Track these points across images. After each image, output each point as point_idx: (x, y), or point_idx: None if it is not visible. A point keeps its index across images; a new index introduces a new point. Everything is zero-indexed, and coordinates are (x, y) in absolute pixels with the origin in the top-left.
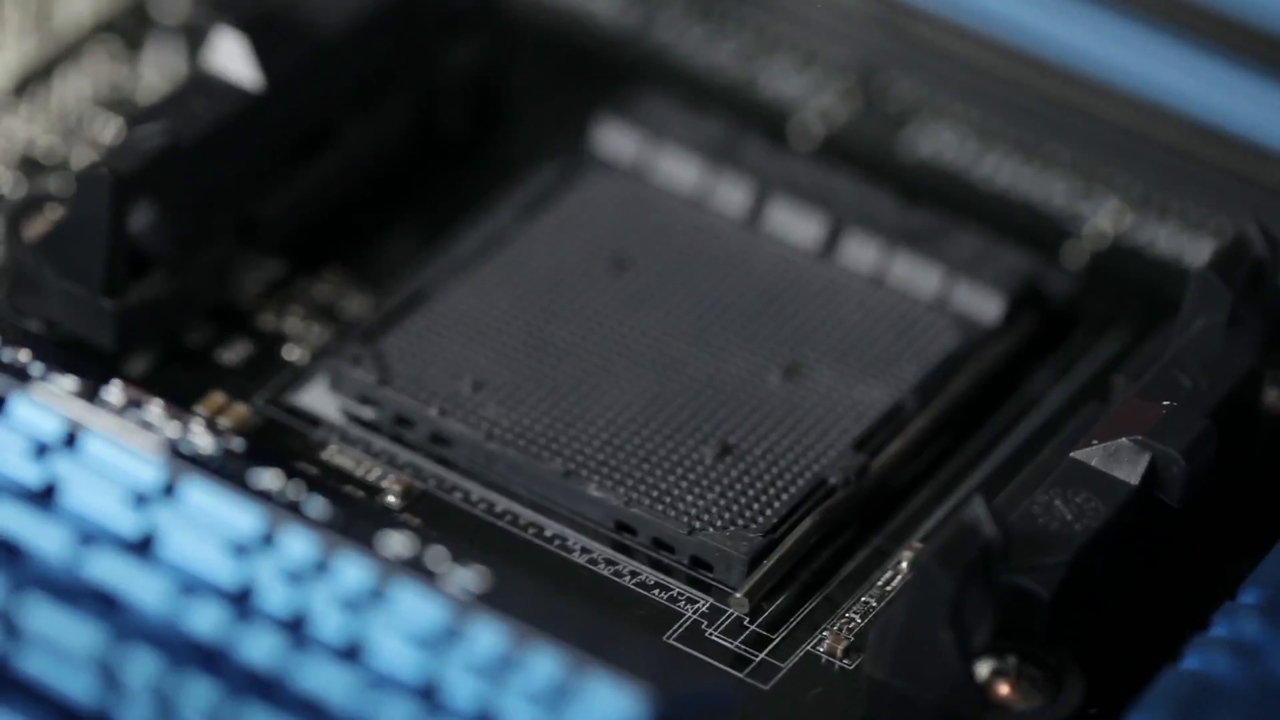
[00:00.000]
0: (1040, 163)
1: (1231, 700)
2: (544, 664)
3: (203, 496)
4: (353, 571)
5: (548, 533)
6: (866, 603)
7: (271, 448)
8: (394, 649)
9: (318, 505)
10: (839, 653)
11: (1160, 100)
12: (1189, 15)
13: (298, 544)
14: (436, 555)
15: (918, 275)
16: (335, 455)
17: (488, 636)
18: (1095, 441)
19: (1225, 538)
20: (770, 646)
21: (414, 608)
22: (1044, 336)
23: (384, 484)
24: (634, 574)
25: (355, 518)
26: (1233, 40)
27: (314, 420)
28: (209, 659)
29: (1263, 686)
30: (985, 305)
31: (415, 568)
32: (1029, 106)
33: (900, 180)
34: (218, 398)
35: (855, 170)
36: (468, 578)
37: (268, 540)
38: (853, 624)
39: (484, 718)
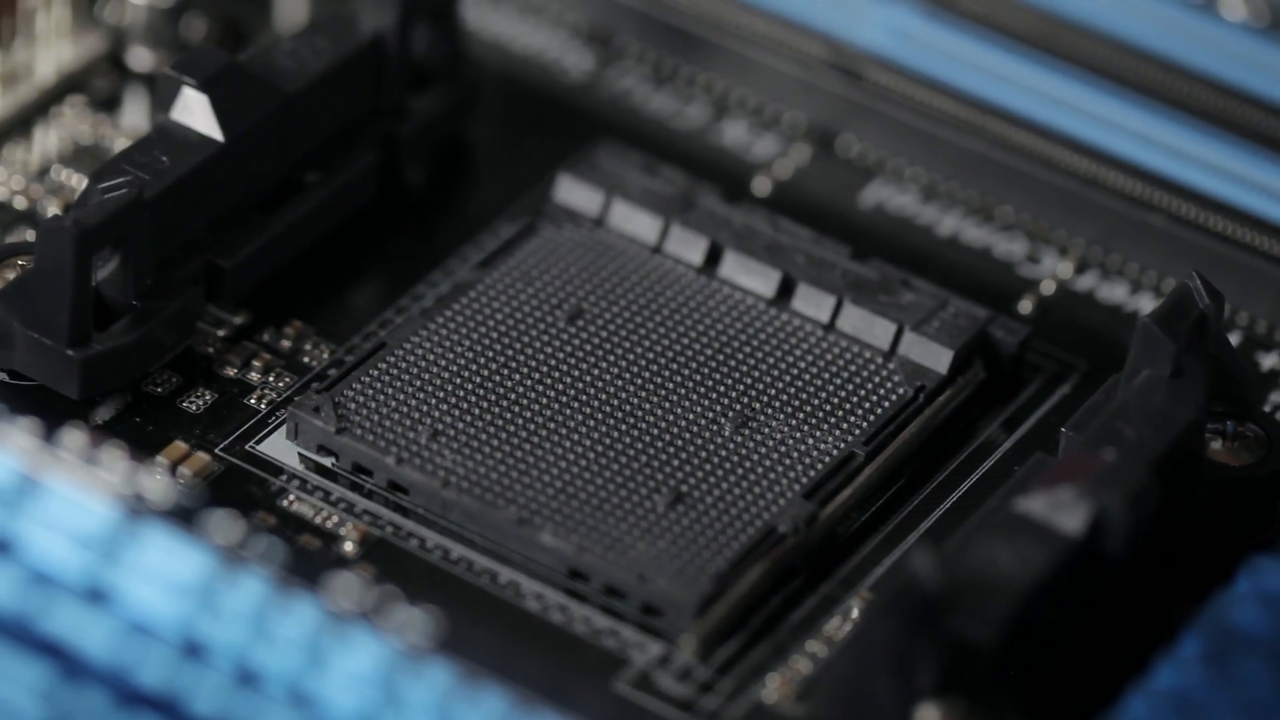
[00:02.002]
0: (991, 217)
1: None
2: (492, 707)
3: (156, 542)
4: (303, 616)
5: (501, 579)
6: (814, 650)
7: (230, 495)
8: (344, 693)
9: (271, 550)
10: (787, 699)
11: (1110, 153)
12: (1134, 71)
13: (249, 589)
14: (388, 600)
15: (869, 325)
16: (294, 503)
17: (437, 679)
18: (1039, 491)
19: (1167, 587)
20: (718, 693)
21: (365, 651)
22: (994, 387)
23: (341, 531)
24: (586, 620)
25: (307, 563)
26: (1183, 96)
27: (274, 468)
28: (159, 707)
29: None
30: (934, 355)
31: (367, 612)
32: (982, 163)
33: (854, 235)
34: (179, 446)
35: (809, 224)
36: (419, 622)
37: (219, 585)
38: (800, 671)
39: None
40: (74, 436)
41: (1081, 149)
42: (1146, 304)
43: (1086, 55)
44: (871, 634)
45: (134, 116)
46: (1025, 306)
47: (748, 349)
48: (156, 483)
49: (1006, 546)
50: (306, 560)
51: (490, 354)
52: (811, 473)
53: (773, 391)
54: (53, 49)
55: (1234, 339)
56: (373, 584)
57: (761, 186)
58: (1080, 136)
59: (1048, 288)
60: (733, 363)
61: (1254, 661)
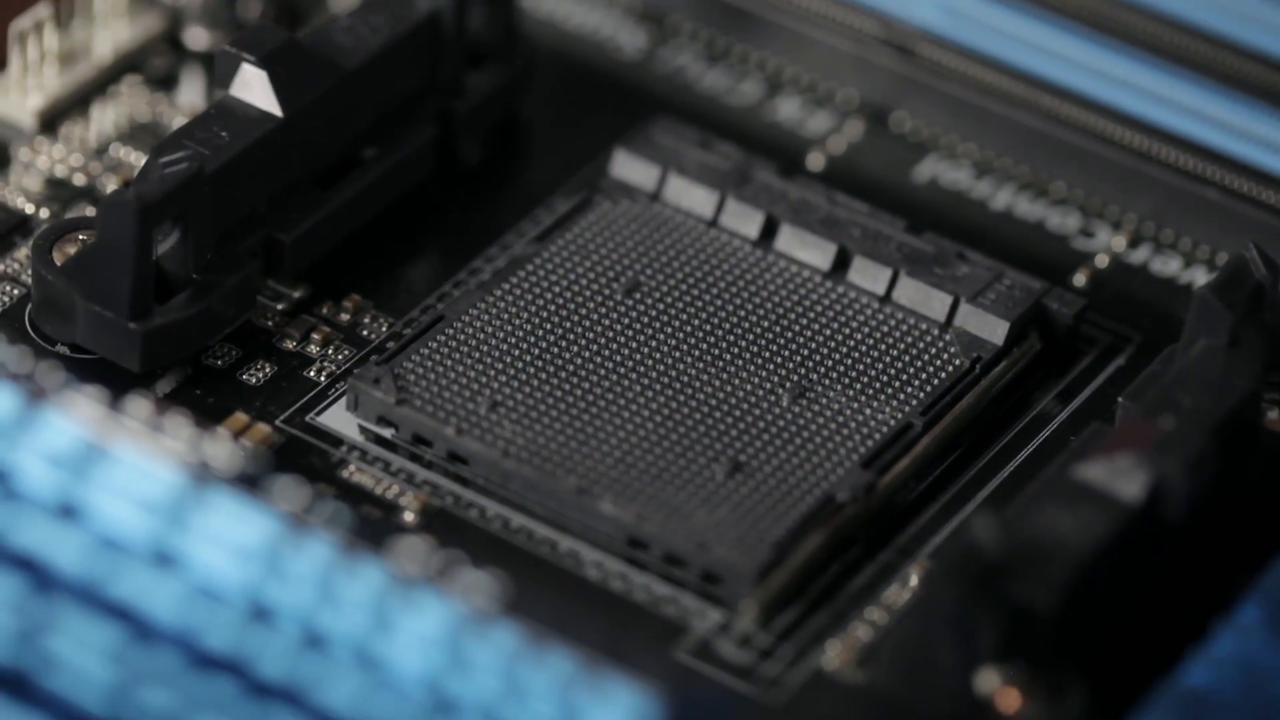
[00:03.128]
0: (1044, 192)
1: (1229, 715)
2: (555, 669)
3: (222, 507)
4: (369, 579)
5: (561, 548)
6: (874, 617)
7: (292, 466)
8: (410, 655)
9: (337, 515)
10: (847, 666)
11: (1162, 127)
12: (1186, 46)
13: (315, 553)
14: (452, 564)
15: (925, 297)
16: (354, 474)
17: (503, 641)
18: (1098, 458)
19: (1225, 554)
20: (778, 659)
21: (430, 614)
22: (1049, 358)
23: (401, 501)
24: (646, 588)
25: (371, 528)
26: (1235, 71)
27: (334, 440)
28: (227, 668)
29: (1261, 702)
30: (990, 327)
31: (431, 575)
32: (1035, 138)
33: (908, 210)
34: (240, 417)
35: (863, 199)
36: (484, 585)
37: (285, 550)
38: (860, 638)
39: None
40: (138, 405)
41: (1134, 124)
42: (1200, 277)
43: (1138, 31)
44: (933, 600)
45: (191, 95)
46: (1080, 280)
47: (804, 321)
48: (221, 449)
49: (1066, 513)
50: (370, 526)
51: (548, 326)
52: (869, 442)
53: (829, 363)
54: (110, 28)
55: None
56: (436, 549)
57: (815, 162)
58: (1132, 111)
59: (1102, 261)
60: (789, 334)
61: None
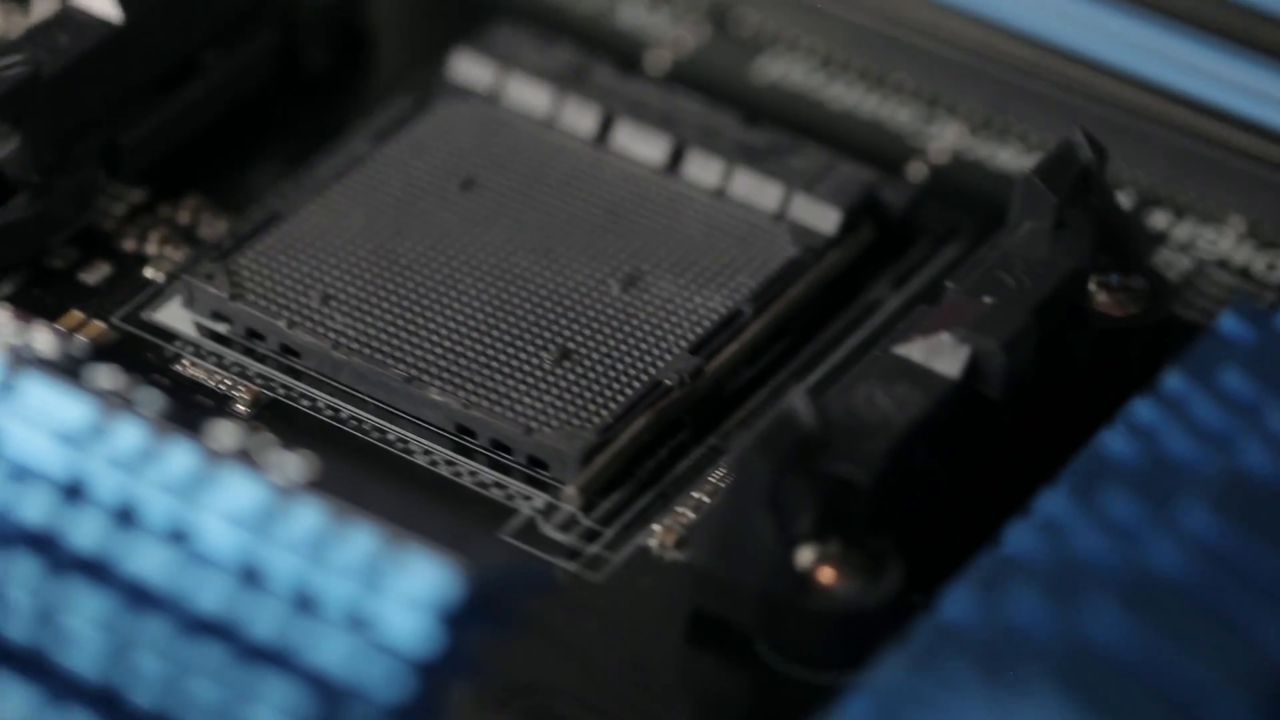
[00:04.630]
0: (885, 87)
1: (1034, 574)
2: (362, 540)
3: (40, 391)
4: (181, 458)
5: (390, 436)
6: (699, 498)
7: (126, 360)
8: (221, 531)
9: (151, 398)
10: (670, 545)
11: (998, 21)
12: None
13: (129, 434)
14: (264, 444)
15: (758, 189)
16: (189, 368)
17: (308, 519)
18: (918, 337)
19: (1049, 431)
20: (602, 540)
21: (239, 491)
22: (882, 247)
23: (234, 393)
24: (473, 474)
25: (189, 412)
26: None
27: (169, 335)
28: (38, 543)
29: (1064, 560)
30: (823, 216)
31: (244, 456)
32: (874, 35)
33: (748, 108)
34: (76, 314)
35: (703, 96)
36: (292, 464)
37: (101, 430)
38: (684, 518)
39: (301, 594)
40: None
41: (970, 18)
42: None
43: None
44: (746, 475)
45: (46, 7)
46: (917, 171)
47: (639, 215)
48: (44, 338)
49: (884, 389)
50: (188, 410)
51: (383, 223)
52: (698, 329)
53: (662, 254)
54: None
55: (1126, 200)
56: (253, 432)
57: (657, 63)
58: (968, 6)
59: (939, 154)
60: (623, 228)
61: (1119, 490)
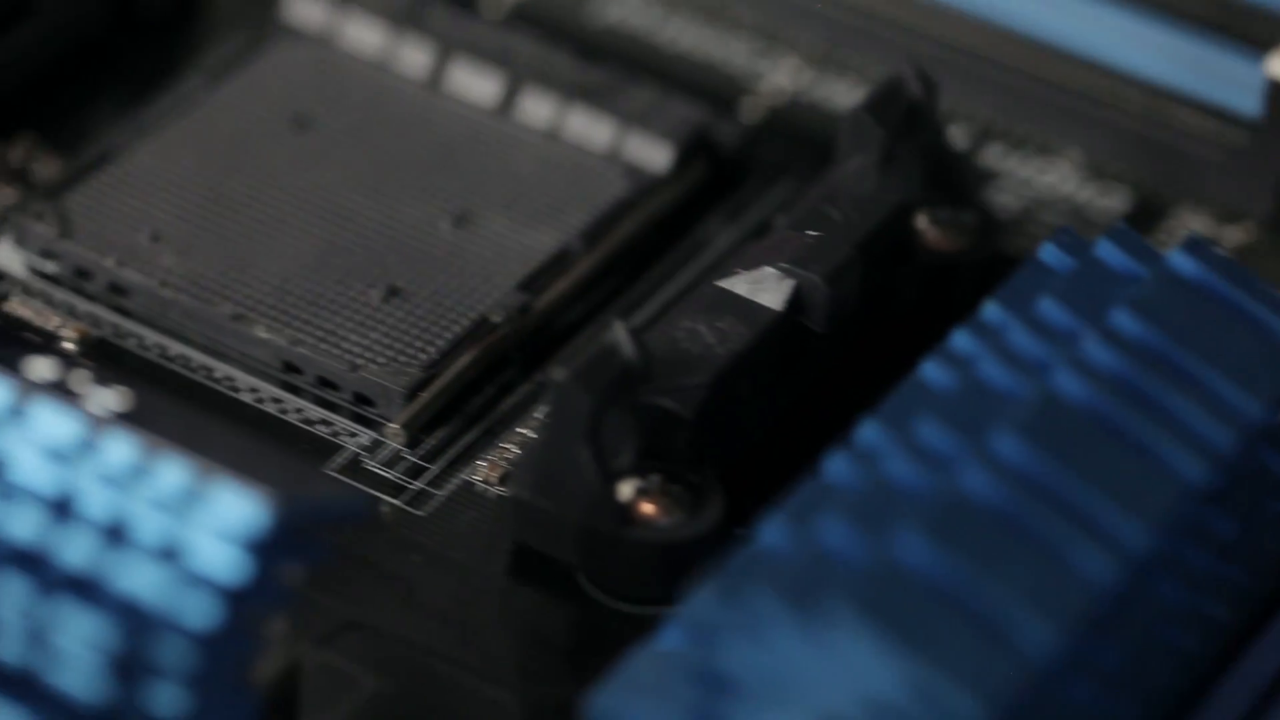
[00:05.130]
0: (722, 23)
1: (846, 502)
2: (174, 473)
3: None
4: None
5: (217, 374)
6: (525, 434)
7: None
8: (30, 463)
9: None
10: (494, 480)
11: None
12: None
13: None
14: (80, 378)
15: (591, 128)
16: (17, 307)
17: (122, 449)
18: (741, 271)
19: (876, 364)
20: (427, 476)
21: (52, 423)
22: (716, 185)
23: (62, 332)
24: (299, 411)
25: (10, 348)
26: None
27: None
28: None
29: (877, 489)
30: (655, 154)
31: (58, 389)
32: None
33: (584, 44)
34: None
35: (540, 36)
36: (109, 398)
37: None
38: (510, 454)
39: (113, 526)
40: None
41: None
42: None
43: None
44: (566, 409)
45: None
46: (752, 109)
47: (472, 154)
48: None
49: (708, 323)
50: (12, 347)
51: (214, 164)
52: (527, 267)
53: (494, 193)
54: None
55: (962, 135)
56: (70, 367)
57: (494, 3)
58: None
59: (774, 92)
60: (456, 167)
61: (933, 418)
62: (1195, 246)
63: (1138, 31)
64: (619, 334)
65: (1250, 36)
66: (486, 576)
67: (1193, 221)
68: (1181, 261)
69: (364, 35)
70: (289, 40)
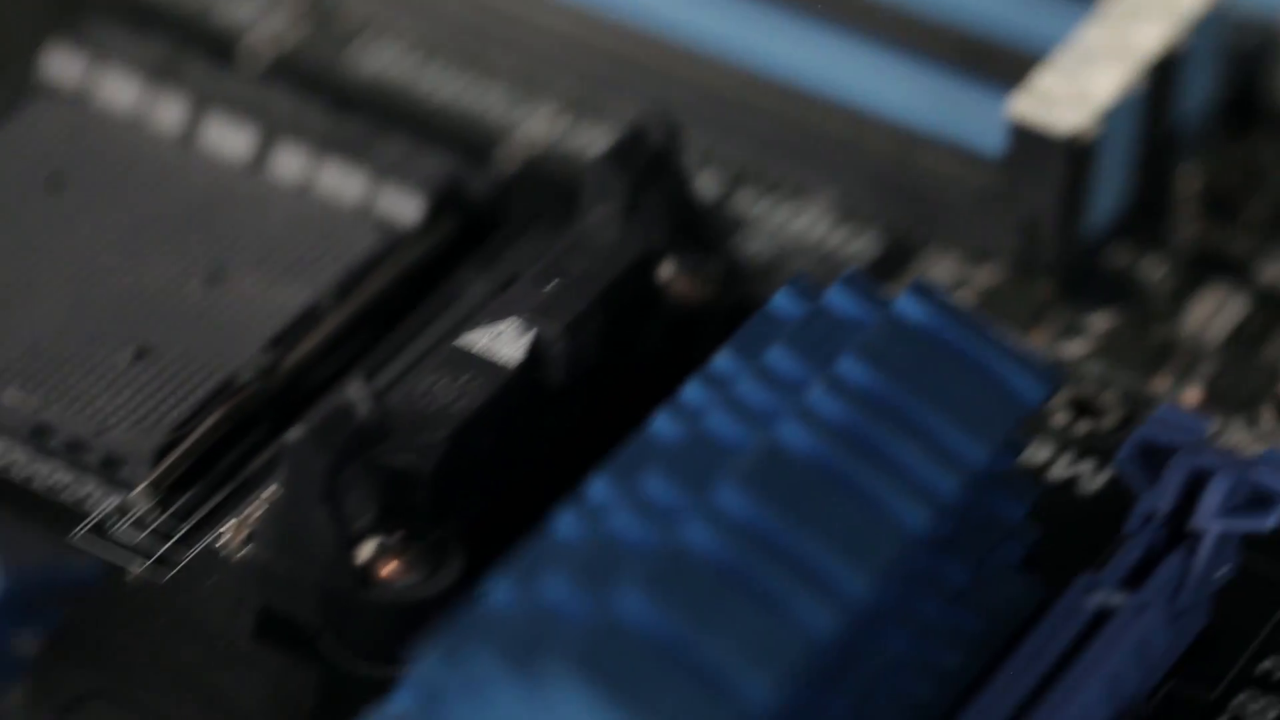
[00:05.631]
0: (479, 71)
1: (569, 559)
2: None
3: None
4: None
5: None
6: (270, 496)
7: None
8: None
9: None
10: (240, 543)
11: (589, 5)
12: None
13: None
14: None
15: (343, 182)
16: None
17: None
18: (482, 324)
19: (621, 416)
20: (173, 539)
21: None
22: (468, 237)
23: None
24: (49, 476)
25: None
26: None
27: None
28: None
29: (600, 544)
30: (405, 207)
31: None
32: (470, 19)
33: (343, 96)
34: None
35: (298, 89)
36: None
37: None
38: (255, 516)
39: None
40: None
41: (559, 3)
42: None
43: None
44: (301, 470)
45: None
46: (506, 158)
47: (225, 210)
48: None
49: (449, 379)
50: None
51: None
52: (277, 324)
53: (246, 250)
54: None
55: (713, 180)
56: None
57: (253, 55)
58: None
59: (528, 141)
60: (210, 224)
61: (658, 471)
62: (922, 292)
63: (884, 71)
64: (354, 392)
65: (992, 74)
66: (231, 641)
67: (942, 263)
68: (908, 307)
69: (120, 92)
70: (43, 100)
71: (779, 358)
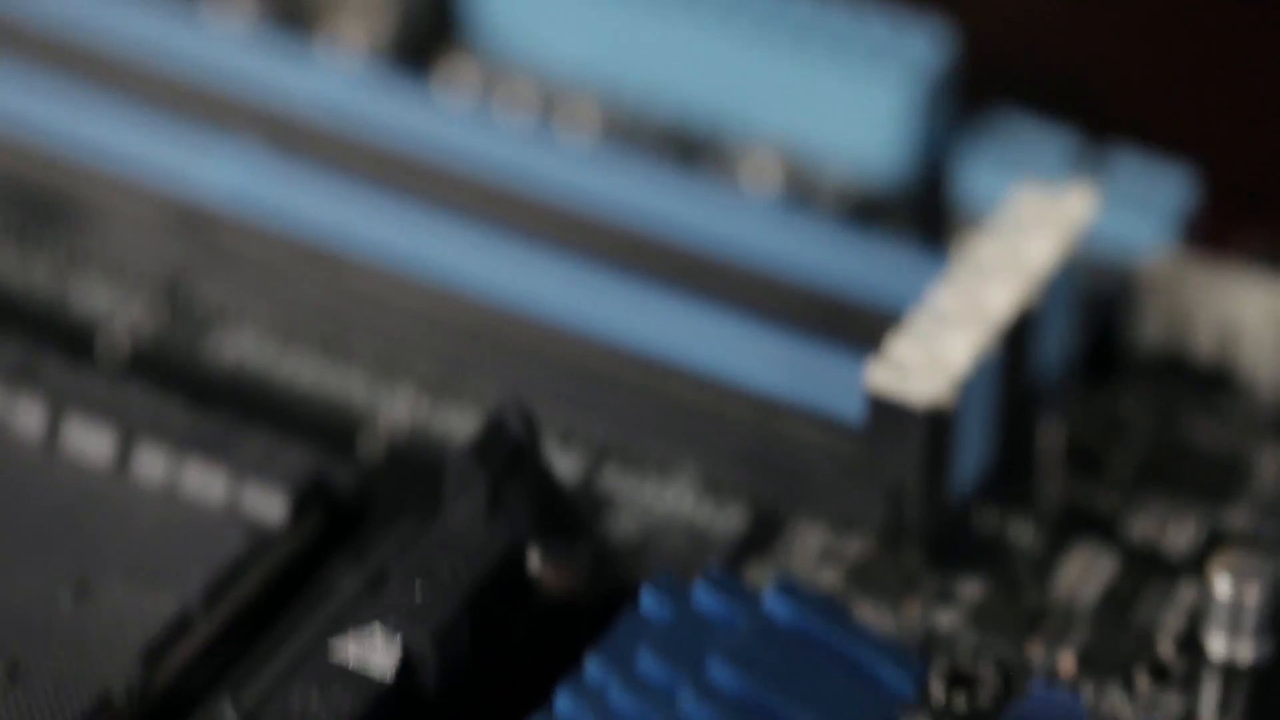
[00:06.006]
0: (338, 355)
1: None
2: None
3: None
4: None
5: None
6: None
7: None
8: None
9: None
10: None
11: (449, 285)
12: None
13: None
14: None
15: (206, 482)
16: None
17: None
18: (350, 634)
19: (490, 714)
20: None
21: None
22: (335, 530)
23: None
24: None
25: None
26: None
27: None
28: None
29: None
30: (270, 505)
31: None
32: (324, 307)
33: (203, 387)
34: None
35: (157, 381)
36: None
37: None
38: None
39: None
40: None
41: (417, 285)
42: None
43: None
44: None
45: None
46: (370, 446)
47: (90, 517)
48: None
49: (319, 692)
50: None
51: None
52: (148, 634)
53: (113, 558)
54: None
55: (576, 459)
56: None
57: (109, 347)
58: (411, 271)
59: (393, 427)
60: (74, 533)
61: None
62: (787, 589)
63: (741, 339)
64: (226, 714)
65: (849, 338)
66: None
67: (810, 533)
68: (774, 605)
69: None
70: None
71: (649, 663)
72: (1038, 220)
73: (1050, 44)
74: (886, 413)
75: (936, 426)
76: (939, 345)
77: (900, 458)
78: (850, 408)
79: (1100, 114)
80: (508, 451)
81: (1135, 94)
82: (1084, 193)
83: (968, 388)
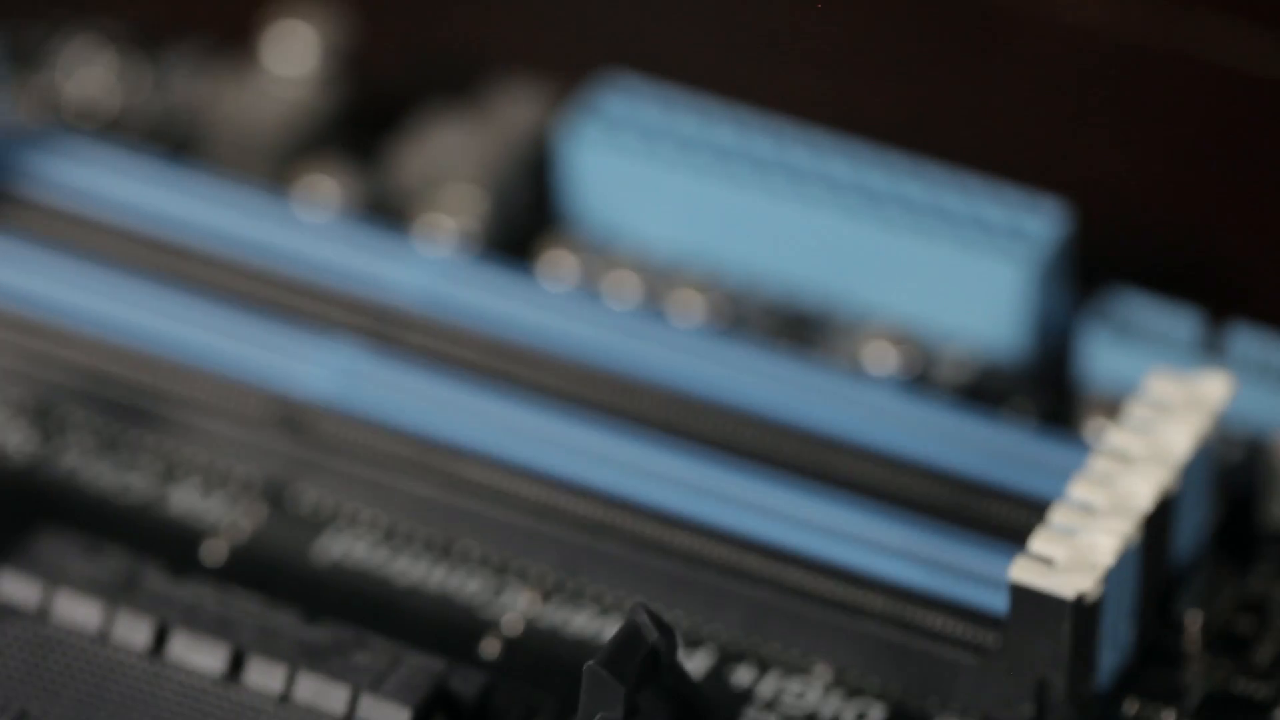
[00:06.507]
0: (449, 559)
1: None
2: None
3: None
4: None
5: None
6: None
7: None
8: None
9: None
10: None
11: (564, 479)
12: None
13: None
14: None
15: (324, 693)
16: None
17: None
18: None
19: None
20: None
21: None
22: None
23: None
24: None
25: None
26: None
27: None
28: None
29: None
30: (392, 717)
31: None
32: (434, 504)
33: (310, 593)
34: None
35: (263, 588)
36: None
37: None
38: None
39: None
40: None
41: (533, 478)
42: (614, 630)
43: (525, 377)
44: None
45: None
46: (490, 648)
47: None
48: None
49: None
50: None
51: None
52: None
53: None
54: None
55: (706, 658)
56: None
57: (213, 552)
58: (528, 464)
59: (513, 626)
60: None
61: None
62: None
63: (873, 530)
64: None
65: (986, 529)
66: None
67: None
68: None
69: (77, 609)
70: (3, 618)
71: None
72: (1175, 405)
73: (1165, 223)
74: (1031, 605)
75: (1082, 618)
76: (1082, 540)
77: (1046, 651)
78: (987, 599)
79: (1219, 293)
80: (642, 658)
81: (1255, 272)
82: (1219, 376)
83: (1111, 578)
